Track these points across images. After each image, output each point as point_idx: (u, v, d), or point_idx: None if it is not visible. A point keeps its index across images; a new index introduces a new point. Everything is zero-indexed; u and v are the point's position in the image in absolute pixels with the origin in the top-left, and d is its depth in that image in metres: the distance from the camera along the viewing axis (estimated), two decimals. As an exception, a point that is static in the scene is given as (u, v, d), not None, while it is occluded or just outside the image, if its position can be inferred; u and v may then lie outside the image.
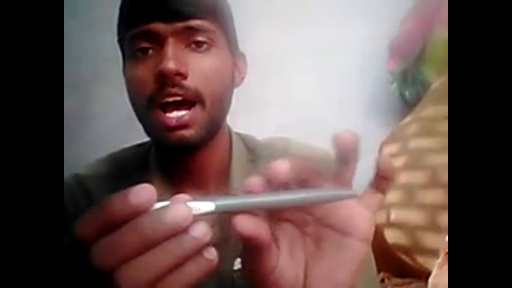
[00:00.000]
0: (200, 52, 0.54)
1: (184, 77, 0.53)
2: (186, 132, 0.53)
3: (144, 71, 0.53)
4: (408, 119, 1.25)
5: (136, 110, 0.57)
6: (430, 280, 0.69)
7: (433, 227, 1.04)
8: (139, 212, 0.26)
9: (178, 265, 0.27)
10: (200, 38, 0.54)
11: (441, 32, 1.23)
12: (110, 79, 0.66)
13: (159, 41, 0.53)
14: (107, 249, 0.26)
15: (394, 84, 1.40)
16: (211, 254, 0.28)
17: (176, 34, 0.53)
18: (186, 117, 0.53)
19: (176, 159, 0.59)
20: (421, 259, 1.06)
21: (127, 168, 0.61)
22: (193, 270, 0.27)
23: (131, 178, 0.60)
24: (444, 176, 1.05)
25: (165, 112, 0.53)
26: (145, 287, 0.26)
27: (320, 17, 1.37)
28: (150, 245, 0.26)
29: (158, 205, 0.28)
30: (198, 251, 0.27)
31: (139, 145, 0.66)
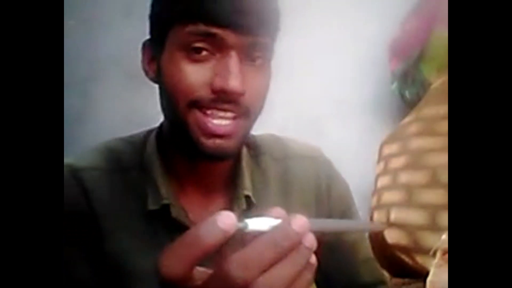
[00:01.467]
0: (255, 66, 0.53)
1: (242, 95, 0.52)
2: (225, 143, 0.52)
3: (197, 72, 0.52)
4: (408, 119, 1.24)
5: (170, 104, 0.54)
6: (428, 278, 0.70)
7: (433, 227, 1.04)
8: (227, 237, 0.27)
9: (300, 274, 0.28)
10: (259, 54, 0.53)
11: (441, 32, 1.23)
12: (109, 79, 0.65)
13: (221, 49, 0.51)
14: (243, 263, 0.27)
15: (394, 84, 1.40)
16: (314, 260, 0.30)
17: (241, 47, 0.51)
18: (230, 128, 0.52)
19: (194, 163, 0.58)
20: (421, 259, 1.06)
21: (121, 163, 0.61)
22: (309, 278, 0.29)
23: (127, 174, 0.60)
24: (444, 176, 1.05)
25: (206, 114, 0.52)
26: None
27: (320, 17, 1.37)
28: (282, 256, 0.28)
29: (268, 220, 0.29)
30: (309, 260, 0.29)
31: (131, 137, 0.64)
